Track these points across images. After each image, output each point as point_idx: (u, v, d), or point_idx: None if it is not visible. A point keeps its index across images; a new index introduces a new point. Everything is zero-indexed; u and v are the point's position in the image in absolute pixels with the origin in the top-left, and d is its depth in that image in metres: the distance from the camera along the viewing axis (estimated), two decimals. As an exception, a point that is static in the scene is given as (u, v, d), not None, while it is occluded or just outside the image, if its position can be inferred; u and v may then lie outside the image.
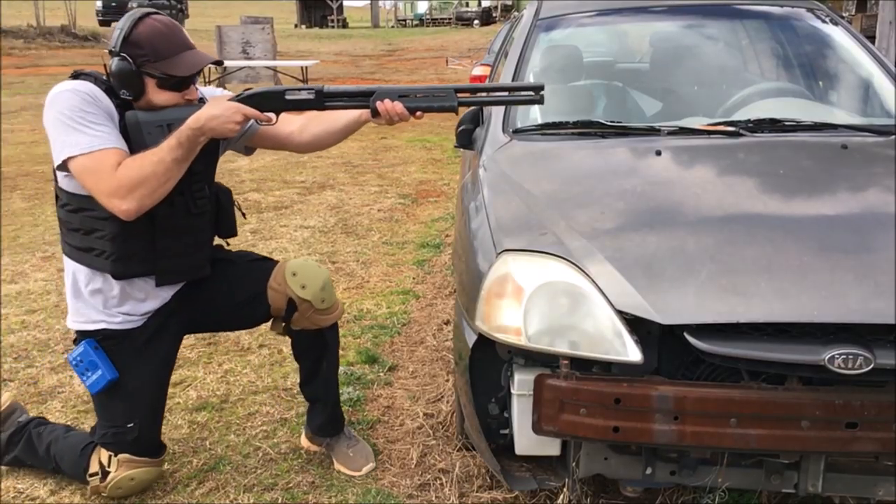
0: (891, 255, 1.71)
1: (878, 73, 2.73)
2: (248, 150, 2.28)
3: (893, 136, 2.37)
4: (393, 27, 41.68)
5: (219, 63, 2.12)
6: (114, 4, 27.37)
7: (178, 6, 27.80)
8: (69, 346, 3.18)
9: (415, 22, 42.91)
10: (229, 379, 2.90)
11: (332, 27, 40.07)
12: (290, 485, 2.25)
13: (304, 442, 2.44)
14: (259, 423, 2.59)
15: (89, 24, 23.68)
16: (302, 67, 13.03)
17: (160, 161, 1.82)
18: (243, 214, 2.27)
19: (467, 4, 41.37)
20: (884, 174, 2.11)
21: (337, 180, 6.39)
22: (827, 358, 1.58)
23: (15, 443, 2.29)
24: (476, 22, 36.14)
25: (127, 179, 1.81)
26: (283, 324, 2.24)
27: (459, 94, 1.96)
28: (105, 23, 26.56)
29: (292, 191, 5.99)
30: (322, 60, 18.93)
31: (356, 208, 5.48)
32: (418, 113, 1.95)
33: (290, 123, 2.18)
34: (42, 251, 4.46)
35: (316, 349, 2.28)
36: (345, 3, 44.06)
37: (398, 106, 1.93)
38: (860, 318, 1.60)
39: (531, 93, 1.98)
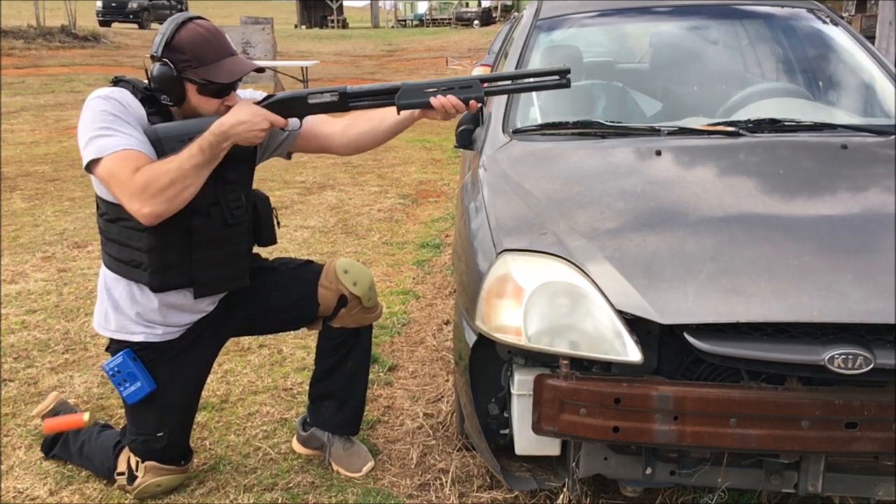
0: (891, 256, 1.71)
1: (878, 73, 2.73)
2: (288, 155, 2.22)
3: (893, 136, 2.37)
4: (393, 27, 41.66)
5: (260, 70, 2.06)
6: (114, 4, 27.34)
7: (178, 6, 27.80)
8: (69, 345, 3.18)
9: (415, 22, 42.85)
10: (229, 379, 2.90)
11: (332, 27, 40.04)
12: (290, 485, 2.25)
13: (297, 447, 2.42)
14: (259, 423, 2.59)
15: (89, 24, 23.60)
16: (302, 68, 13.03)
17: (179, 167, 1.79)
18: (278, 223, 2.24)
19: (467, 5, 41.33)
20: (884, 174, 2.11)
21: (337, 180, 6.39)
22: (827, 358, 1.58)
23: (56, 443, 2.35)
24: (476, 22, 36.09)
25: (145, 183, 1.78)
26: (322, 320, 2.25)
27: (483, 84, 1.94)
28: (105, 23, 26.48)
29: (292, 191, 5.99)
30: (322, 61, 18.92)
31: (356, 208, 5.48)
32: (472, 102, 1.92)
33: (332, 124, 2.14)
34: (42, 251, 4.46)
35: (344, 347, 2.27)
36: (345, 4, 44.04)
37: (453, 98, 1.91)
38: (860, 318, 1.60)
39: (556, 77, 1.95)
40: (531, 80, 2.03)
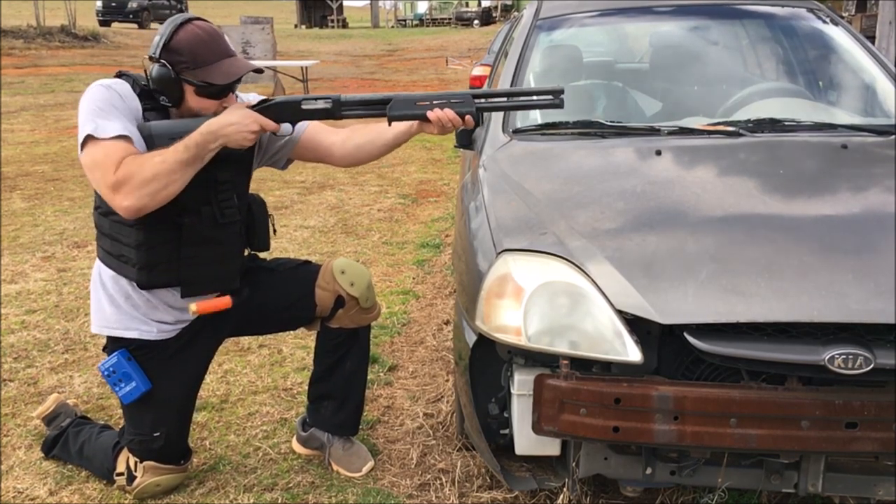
0: (891, 255, 1.71)
1: (878, 73, 2.73)
2: (285, 165, 2.22)
3: (893, 136, 2.37)
4: (393, 27, 41.65)
5: (258, 71, 2.04)
6: (113, 4, 27.34)
7: (178, 6, 27.79)
8: (69, 345, 3.18)
9: (415, 22, 42.82)
10: (229, 379, 2.90)
11: (332, 27, 40.03)
12: (290, 485, 2.25)
13: (297, 447, 2.42)
14: (259, 423, 2.59)
15: (89, 24, 23.60)
16: (302, 67, 13.02)
17: (163, 161, 1.78)
18: (274, 230, 2.22)
19: (467, 4, 41.32)
20: (884, 174, 2.11)
21: (337, 180, 6.39)
22: (827, 358, 1.58)
23: (56, 443, 2.36)
24: (476, 22, 36.07)
25: (128, 175, 1.77)
26: (320, 320, 2.25)
27: (476, 100, 1.95)
28: (105, 23, 26.49)
29: (292, 191, 5.98)
30: (322, 60, 18.92)
31: (356, 208, 5.48)
32: (467, 118, 1.92)
33: (333, 134, 2.13)
34: (42, 251, 4.46)
35: (343, 348, 2.27)
36: (345, 3, 44.02)
37: (450, 112, 1.91)
38: (860, 317, 1.60)
39: (550, 97, 1.95)
40: (525, 98, 2.05)
